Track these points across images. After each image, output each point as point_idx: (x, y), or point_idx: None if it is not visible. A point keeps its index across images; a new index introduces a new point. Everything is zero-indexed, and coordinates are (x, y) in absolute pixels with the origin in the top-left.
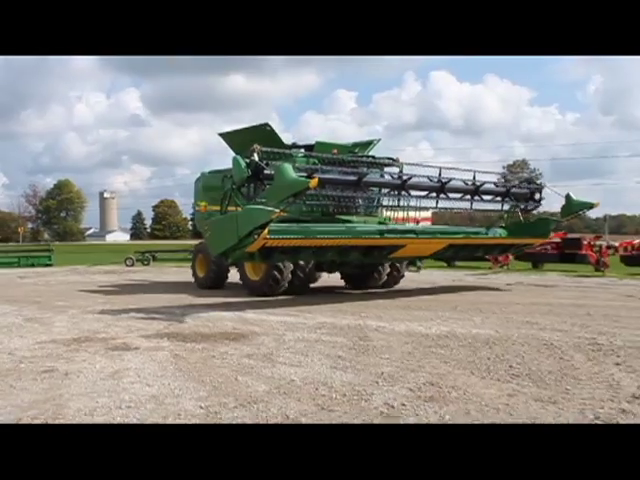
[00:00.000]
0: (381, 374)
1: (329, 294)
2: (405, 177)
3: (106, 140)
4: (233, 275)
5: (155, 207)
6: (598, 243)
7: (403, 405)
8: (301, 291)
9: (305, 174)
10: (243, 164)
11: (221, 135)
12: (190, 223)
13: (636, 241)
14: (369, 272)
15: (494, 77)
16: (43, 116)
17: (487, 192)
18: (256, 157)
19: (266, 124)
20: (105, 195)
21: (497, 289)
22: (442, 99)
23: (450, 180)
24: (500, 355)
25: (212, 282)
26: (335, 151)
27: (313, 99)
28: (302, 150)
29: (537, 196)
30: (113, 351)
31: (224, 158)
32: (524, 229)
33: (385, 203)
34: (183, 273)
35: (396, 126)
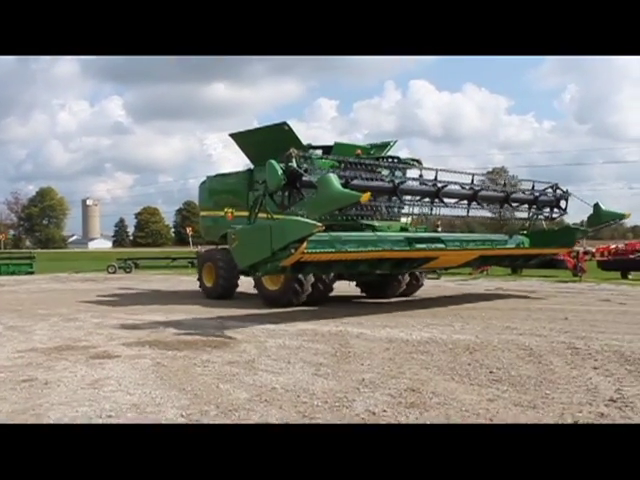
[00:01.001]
0: (362, 380)
1: (344, 303)
2: (440, 185)
3: (89, 148)
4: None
5: (138, 214)
6: (575, 249)
7: (384, 411)
8: (321, 302)
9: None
10: (279, 170)
11: (232, 136)
12: (173, 230)
13: (612, 246)
14: (390, 281)
15: (472, 86)
16: (26, 124)
17: (516, 200)
18: (294, 163)
19: (284, 123)
20: (88, 202)
21: (479, 295)
22: (422, 108)
23: (482, 188)
24: (480, 360)
25: (221, 292)
26: (359, 152)
27: (294, 107)
28: (319, 151)
29: (563, 204)
30: (94, 359)
31: (207, 166)
32: (548, 238)
33: (417, 211)
34: (166, 281)
35: (376, 134)
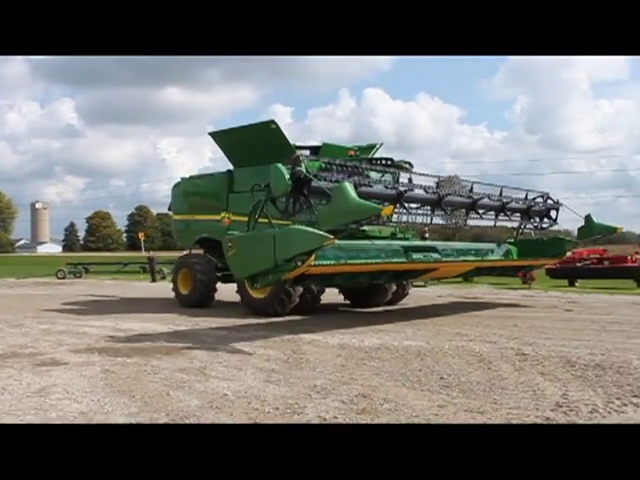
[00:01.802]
0: (314, 387)
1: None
2: (442, 193)
3: (39, 150)
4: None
5: (89, 219)
6: None
7: (335, 418)
8: (308, 311)
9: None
10: (286, 174)
11: (213, 134)
12: (124, 235)
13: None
14: (377, 290)
15: (426, 95)
16: None
17: (511, 209)
18: (303, 167)
19: (271, 121)
20: (37, 206)
21: (430, 300)
22: (376, 116)
23: (482, 197)
24: (431, 366)
25: (198, 300)
26: (353, 152)
27: (249, 113)
28: (307, 152)
29: (553, 214)
30: (40, 367)
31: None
32: (537, 248)
33: (419, 220)
34: (117, 286)
35: (330, 141)
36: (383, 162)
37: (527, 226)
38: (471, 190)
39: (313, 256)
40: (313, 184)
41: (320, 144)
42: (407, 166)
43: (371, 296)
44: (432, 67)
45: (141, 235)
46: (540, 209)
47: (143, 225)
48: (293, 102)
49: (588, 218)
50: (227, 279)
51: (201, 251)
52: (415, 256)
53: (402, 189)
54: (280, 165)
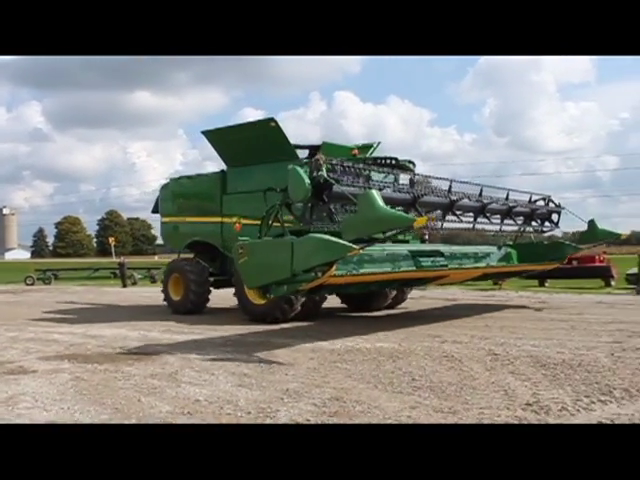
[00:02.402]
0: (286, 390)
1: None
2: (454, 197)
3: (6, 155)
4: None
5: (58, 224)
6: None
7: (308, 421)
8: (311, 317)
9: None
10: (306, 179)
11: (206, 133)
12: (95, 240)
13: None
14: (377, 294)
15: (396, 98)
16: None
17: (517, 213)
18: (324, 171)
19: (271, 119)
20: (4, 211)
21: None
22: (346, 119)
23: (492, 202)
24: (403, 368)
25: (191, 306)
26: (356, 151)
27: (220, 117)
28: (306, 151)
29: (555, 218)
30: (8, 375)
31: (130, 175)
32: (537, 252)
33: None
34: (88, 292)
35: (330, 141)
36: (388, 162)
37: (526, 229)
38: (480, 194)
39: (334, 267)
40: (335, 189)
41: (320, 143)
42: (411, 166)
43: (370, 301)
44: (402, 70)
45: (111, 240)
46: (542, 212)
47: (114, 230)
48: (264, 105)
49: (592, 223)
50: (219, 284)
51: (191, 255)
52: (423, 262)
53: (417, 193)
54: (298, 168)
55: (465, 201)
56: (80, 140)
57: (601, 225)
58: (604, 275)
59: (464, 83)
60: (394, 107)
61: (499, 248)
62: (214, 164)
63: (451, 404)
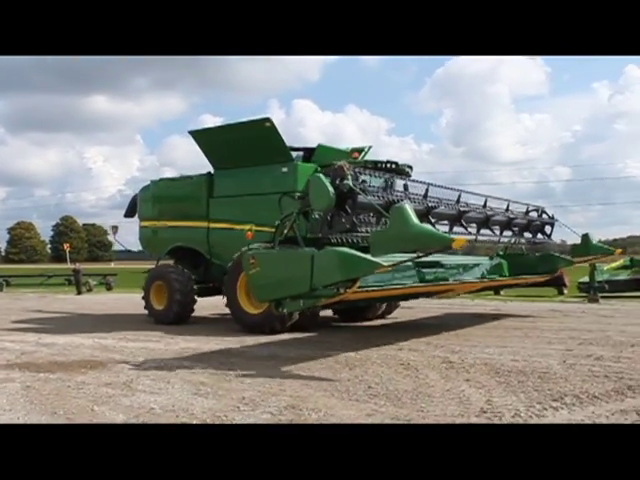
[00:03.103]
0: (242, 399)
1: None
2: (462, 208)
3: None
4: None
5: (11, 229)
6: None
7: None
8: (307, 327)
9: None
10: (330, 188)
11: (194, 133)
12: (49, 246)
13: None
14: (370, 304)
15: (354, 107)
16: None
17: (515, 225)
18: (350, 180)
19: (266, 119)
20: None
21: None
22: (305, 127)
23: (496, 213)
24: (360, 376)
25: (175, 317)
26: (356, 155)
27: (178, 123)
28: (300, 154)
29: (548, 230)
30: None
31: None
32: (528, 263)
33: None
34: (41, 299)
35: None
36: (388, 166)
37: (520, 240)
38: (485, 205)
39: (358, 283)
40: (361, 199)
41: (314, 146)
42: (408, 170)
43: (363, 311)
44: (361, 79)
45: (66, 246)
46: (537, 224)
47: (69, 236)
48: (223, 112)
49: (585, 237)
50: (203, 292)
51: (171, 261)
52: (427, 274)
53: (431, 204)
54: (322, 176)
55: (472, 213)
56: (34, 144)
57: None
58: (557, 284)
59: (422, 93)
60: (352, 116)
61: (491, 258)
62: (172, 170)
63: (407, 412)
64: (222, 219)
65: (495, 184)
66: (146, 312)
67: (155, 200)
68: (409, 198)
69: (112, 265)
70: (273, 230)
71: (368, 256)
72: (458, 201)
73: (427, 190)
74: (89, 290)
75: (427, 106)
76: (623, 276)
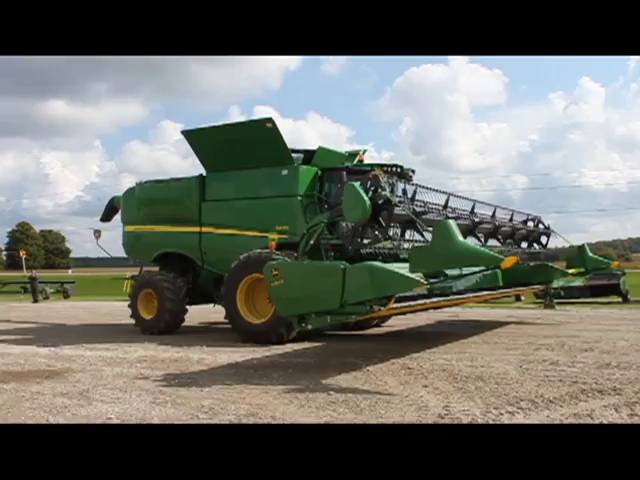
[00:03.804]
0: (201, 407)
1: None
2: (476, 219)
3: None
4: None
5: None
6: None
7: None
8: (309, 337)
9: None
10: (367, 198)
11: (187, 133)
12: (4, 253)
13: None
14: None
15: (315, 114)
16: None
17: (519, 235)
18: (387, 190)
19: (268, 119)
20: None
21: None
22: None
23: (503, 224)
24: (319, 383)
25: (166, 327)
26: (363, 157)
27: (138, 129)
28: (300, 156)
29: (544, 240)
30: None
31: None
32: (523, 273)
33: None
34: None
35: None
36: (393, 169)
37: (517, 250)
38: (493, 215)
39: (393, 299)
40: (398, 211)
41: (315, 148)
42: (411, 174)
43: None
44: (322, 87)
45: (22, 253)
46: (534, 234)
47: (25, 243)
48: (183, 119)
49: (582, 249)
50: (192, 301)
51: (156, 268)
52: (436, 285)
53: (450, 214)
54: (357, 185)
55: (484, 224)
56: None
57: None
58: (618, 292)
59: (382, 102)
60: (313, 123)
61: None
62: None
63: (365, 418)
64: (216, 224)
65: (455, 192)
66: (105, 322)
67: (140, 204)
68: (431, 210)
69: (70, 272)
70: (273, 236)
71: (404, 272)
72: (472, 211)
73: (474, 206)
74: (46, 298)
75: (387, 114)
76: (578, 283)
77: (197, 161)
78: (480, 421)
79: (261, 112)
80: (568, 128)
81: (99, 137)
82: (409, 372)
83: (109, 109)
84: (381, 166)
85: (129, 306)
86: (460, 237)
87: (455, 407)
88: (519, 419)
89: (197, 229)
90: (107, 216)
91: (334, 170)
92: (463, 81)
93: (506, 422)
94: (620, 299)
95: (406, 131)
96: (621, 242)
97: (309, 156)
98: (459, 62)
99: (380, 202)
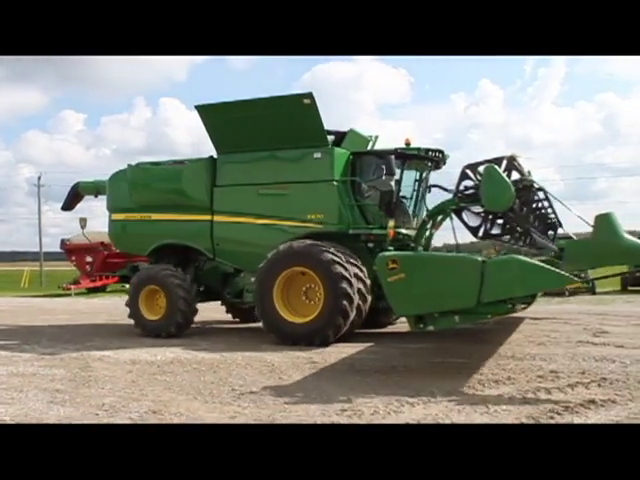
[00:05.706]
0: (102, 405)
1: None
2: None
3: None
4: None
5: None
6: None
7: None
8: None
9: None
10: (509, 183)
11: (200, 108)
12: None
13: None
14: (383, 310)
15: None
16: None
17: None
18: (529, 174)
19: (308, 94)
20: None
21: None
22: (171, 126)
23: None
24: (224, 378)
25: (176, 329)
26: (409, 140)
27: (37, 118)
28: (331, 138)
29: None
30: None
31: None
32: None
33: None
34: None
35: (125, 150)
36: (437, 155)
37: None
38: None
39: (536, 298)
40: (539, 196)
41: (346, 130)
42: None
43: (376, 316)
44: (229, 81)
45: None
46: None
47: None
48: (85, 108)
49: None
50: (202, 298)
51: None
52: (585, 281)
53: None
54: (498, 168)
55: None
56: None
57: None
58: None
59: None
60: None
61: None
62: (30, 167)
63: (269, 412)
64: (233, 212)
65: None
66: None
67: (132, 189)
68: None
69: None
70: (304, 225)
71: (553, 268)
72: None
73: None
74: None
75: None
76: None
77: (101, 153)
78: (382, 413)
79: (166, 104)
80: (468, 128)
81: None
82: (314, 366)
83: (5, 96)
84: (426, 150)
85: (127, 305)
86: (623, 232)
87: (358, 400)
88: (419, 410)
89: (208, 217)
90: (69, 204)
91: (369, 154)
92: (368, 79)
93: (406, 413)
94: None
95: None
96: None
97: (339, 139)
98: (365, 60)
99: (521, 187)
